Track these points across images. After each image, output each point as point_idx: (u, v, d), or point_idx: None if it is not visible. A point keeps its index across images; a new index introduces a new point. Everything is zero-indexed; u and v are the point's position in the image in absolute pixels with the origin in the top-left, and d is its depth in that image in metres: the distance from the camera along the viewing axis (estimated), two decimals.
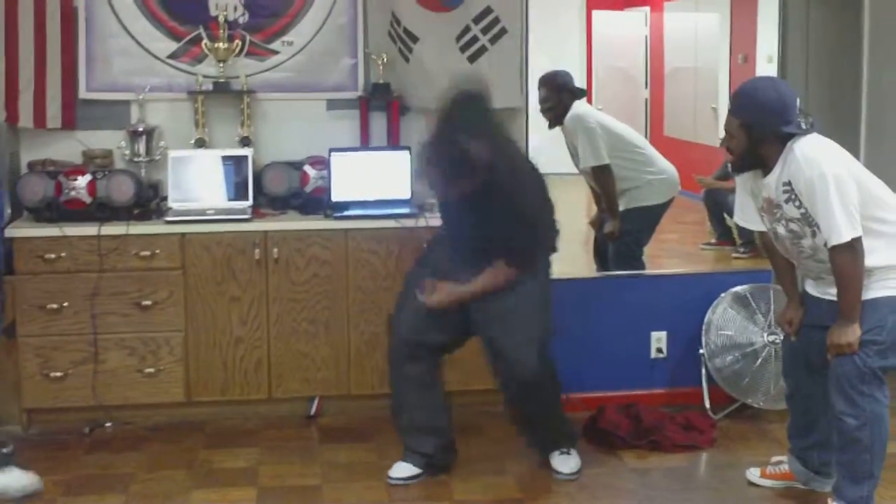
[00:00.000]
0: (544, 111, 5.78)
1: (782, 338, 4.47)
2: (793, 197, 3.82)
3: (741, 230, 6.26)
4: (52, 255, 4.90)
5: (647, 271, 5.81)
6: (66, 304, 4.95)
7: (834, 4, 5.44)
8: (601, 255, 6.01)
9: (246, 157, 5.25)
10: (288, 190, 5.28)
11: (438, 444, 4.54)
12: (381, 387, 5.17)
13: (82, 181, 4.99)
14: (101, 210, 5.00)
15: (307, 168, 5.27)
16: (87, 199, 4.99)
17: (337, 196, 5.21)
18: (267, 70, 5.46)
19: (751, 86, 4.10)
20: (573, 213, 5.00)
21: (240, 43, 5.39)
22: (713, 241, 6.66)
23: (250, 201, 5.19)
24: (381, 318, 5.13)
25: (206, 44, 5.35)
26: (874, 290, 3.84)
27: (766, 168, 3.91)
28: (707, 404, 5.18)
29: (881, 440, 3.89)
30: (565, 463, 4.53)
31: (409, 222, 5.08)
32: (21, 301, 4.88)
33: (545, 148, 5.78)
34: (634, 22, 7.55)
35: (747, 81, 4.15)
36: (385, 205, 5.21)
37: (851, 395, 3.85)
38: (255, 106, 5.43)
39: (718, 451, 4.84)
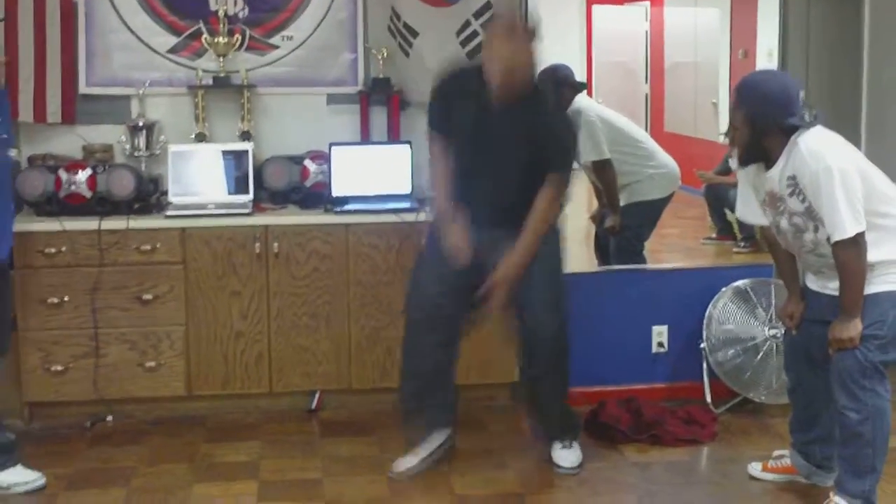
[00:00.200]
0: None
1: (783, 332, 4.47)
2: (797, 191, 3.82)
3: (742, 225, 6.29)
4: (53, 250, 4.90)
5: (649, 266, 5.81)
6: (66, 298, 4.95)
7: None
8: (602, 249, 6.02)
9: (246, 151, 5.24)
10: (288, 184, 5.28)
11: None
12: (381, 381, 5.18)
13: (82, 176, 4.99)
14: (102, 204, 5.00)
15: (307, 162, 5.27)
16: (88, 194, 4.99)
17: (337, 190, 5.21)
18: (267, 65, 5.46)
19: (755, 78, 4.09)
20: (574, 207, 5.00)
21: (240, 37, 5.39)
22: (714, 235, 6.67)
23: (251, 196, 5.19)
24: (381, 312, 5.13)
25: (206, 38, 5.34)
26: (875, 285, 3.83)
27: (770, 161, 3.90)
28: (708, 398, 5.19)
29: (883, 434, 3.89)
30: (566, 457, 4.52)
31: (410, 217, 5.07)
32: (22, 295, 4.87)
33: None
34: (634, 17, 7.55)
35: (752, 73, 4.15)
36: (385, 199, 5.21)
37: (853, 389, 3.85)
38: (255, 100, 5.43)
39: (719, 445, 4.84)
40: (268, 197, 5.29)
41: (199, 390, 5.12)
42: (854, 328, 3.81)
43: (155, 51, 5.39)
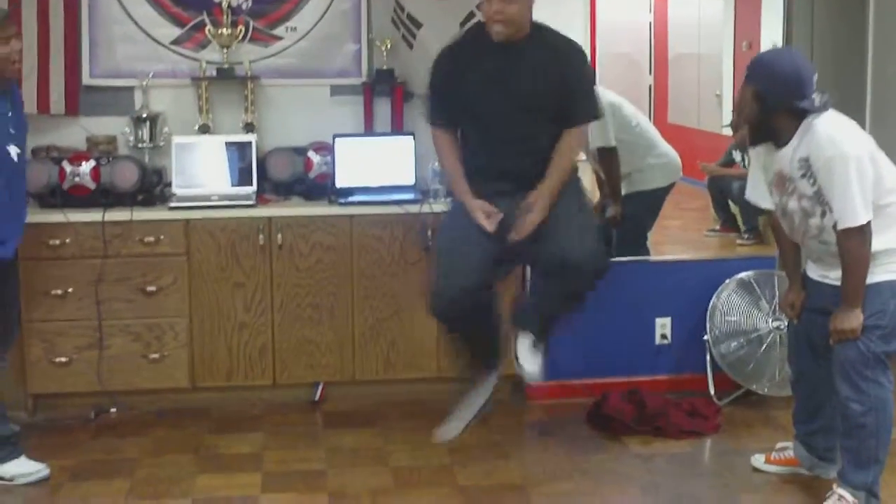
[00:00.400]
0: None
1: (787, 323, 4.46)
2: (808, 174, 3.79)
3: (745, 217, 6.28)
4: (57, 242, 4.90)
5: (652, 258, 5.80)
6: (70, 289, 4.96)
7: None
8: (605, 241, 6.00)
9: (250, 142, 5.25)
10: (292, 176, 5.28)
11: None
12: (385, 372, 5.19)
13: (86, 167, 4.99)
14: (105, 196, 5.00)
15: (311, 154, 5.27)
16: (92, 186, 4.99)
17: (341, 182, 5.21)
18: (271, 56, 5.46)
19: (769, 56, 4.07)
20: None
21: (243, 29, 5.38)
22: (717, 227, 6.66)
23: (254, 187, 5.19)
24: (385, 303, 5.14)
25: (209, 30, 5.34)
26: (877, 275, 3.82)
27: (780, 140, 3.88)
28: (711, 390, 5.18)
29: (886, 425, 3.89)
30: (531, 357, 4.32)
31: (414, 208, 5.07)
32: (26, 287, 4.87)
33: None
34: (638, 7, 7.54)
35: (766, 51, 4.11)
36: (389, 191, 5.22)
37: (856, 380, 3.85)
38: (258, 92, 5.43)
39: (723, 437, 4.84)
40: (271, 188, 5.29)
41: (202, 382, 5.12)
42: (855, 319, 3.81)
43: (158, 42, 5.39)
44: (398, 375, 5.22)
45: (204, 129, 5.34)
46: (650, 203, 5.87)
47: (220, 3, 5.32)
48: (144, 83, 5.33)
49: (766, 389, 5.13)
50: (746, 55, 6.72)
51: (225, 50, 5.34)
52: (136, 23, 5.36)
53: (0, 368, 4.43)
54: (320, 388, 5.23)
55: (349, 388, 5.24)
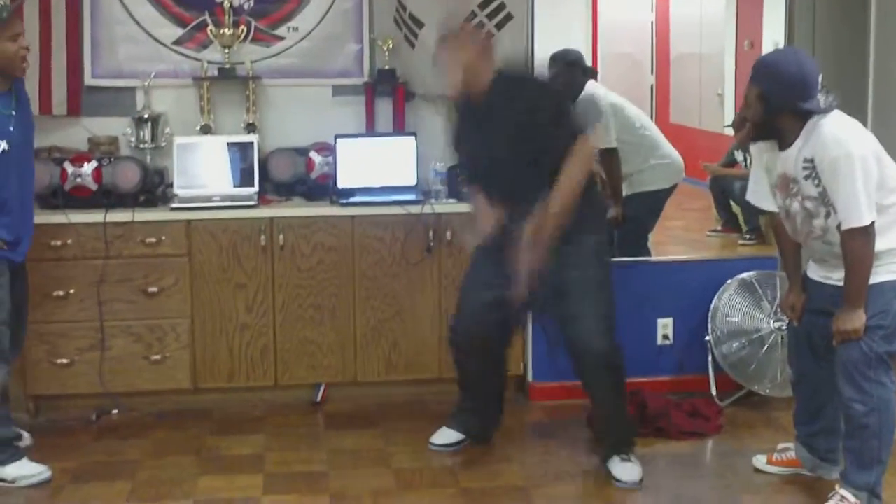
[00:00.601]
0: None
1: (787, 324, 4.45)
2: (813, 175, 3.79)
3: (747, 217, 6.27)
4: (59, 243, 4.90)
5: (653, 258, 5.79)
6: (72, 291, 4.95)
7: None
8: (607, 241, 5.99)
9: (251, 143, 5.24)
10: (293, 176, 5.28)
11: (485, 419, 4.70)
12: (386, 373, 5.19)
13: (88, 168, 4.99)
14: (107, 197, 5.00)
15: (313, 154, 5.27)
16: (93, 186, 4.99)
17: (342, 182, 5.21)
18: (272, 56, 5.46)
19: (774, 57, 4.07)
20: None
21: (245, 29, 5.38)
22: (719, 228, 6.65)
23: (256, 188, 5.19)
24: (387, 304, 5.14)
25: (211, 30, 5.34)
26: (879, 275, 3.81)
27: (784, 142, 3.87)
28: (713, 391, 5.18)
29: (889, 426, 3.88)
30: (626, 471, 4.35)
31: (416, 209, 5.07)
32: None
33: None
34: (640, 7, 7.52)
35: (772, 52, 4.10)
36: (391, 191, 5.21)
37: (859, 381, 3.85)
38: (260, 92, 5.43)
39: (724, 438, 4.83)
40: (273, 189, 5.29)
41: (204, 383, 5.12)
42: (858, 320, 3.80)
43: (160, 42, 5.39)
44: (400, 376, 5.22)
45: (206, 130, 5.34)
46: (652, 204, 5.86)
47: (221, 4, 5.32)
48: (146, 83, 5.32)
49: (767, 390, 5.12)
50: (748, 55, 6.71)
51: (227, 50, 5.34)
52: (137, 23, 5.35)
53: (9, 373, 4.43)
54: (322, 389, 5.23)
55: (351, 389, 5.24)
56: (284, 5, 5.44)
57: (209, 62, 5.37)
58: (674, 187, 5.89)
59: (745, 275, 5.24)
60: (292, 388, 5.21)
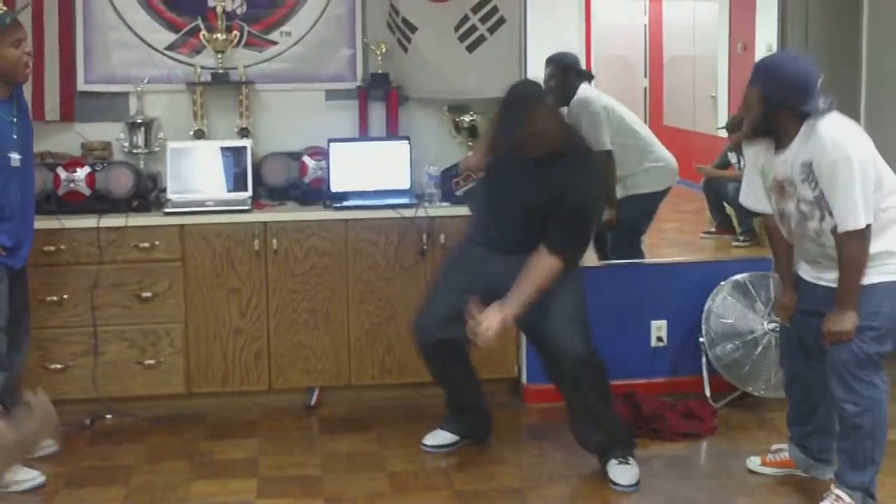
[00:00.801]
0: (548, 90, 5.67)
1: (790, 322, 4.42)
2: (810, 178, 3.78)
3: (741, 219, 6.27)
4: (52, 248, 4.90)
5: (647, 260, 5.79)
6: (65, 296, 4.95)
7: None
8: (600, 243, 5.99)
9: (245, 148, 5.24)
10: (287, 181, 5.28)
11: (474, 419, 4.72)
12: (381, 377, 5.19)
13: (81, 173, 4.99)
14: (100, 202, 5.00)
15: (306, 159, 5.27)
16: (87, 192, 4.99)
17: (336, 186, 5.21)
18: (265, 61, 5.46)
19: (775, 59, 4.07)
20: None
21: (238, 34, 5.38)
22: (713, 229, 6.64)
23: (249, 192, 5.19)
24: (380, 308, 5.14)
25: (204, 35, 5.34)
26: (871, 276, 3.82)
27: (780, 143, 3.86)
28: (707, 393, 5.18)
29: (881, 426, 3.88)
30: (623, 473, 4.36)
31: (409, 212, 5.07)
32: None
33: None
34: (633, 10, 7.53)
35: (772, 54, 4.10)
36: (384, 195, 5.21)
37: (850, 381, 3.85)
38: (253, 97, 5.43)
39: (719, 439, 4.84)
40: (266, 193, 5.30)
41: (198, 388, 5.12)
42: (849, 321, 3.80)
43: (153, 48, 5.39)
44: (394, 380, 5.22)
45: (199, 135, 5.34)
46: (646, 206, 5.86)
47: (214, 8, 5.33)
48: (139, 89, 5.32)
49: (761, 391, 5.12)
50: (741, 57, 6.71)
51: (220, 55, 5.34)
52: (130, 28, 5.36)
53: (7, 379, 4.42)
54: (316, 393, 5.23)
55: (345, 392, 5.24)
56: (277, 10, 5.45)
57: (202, 67, 5.37)
58: (667, 190, 5.89)
59: (738, 276, 5.24)
60: (286, 392, 5.21)
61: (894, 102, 5.39)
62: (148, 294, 5.00)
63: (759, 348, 5.11)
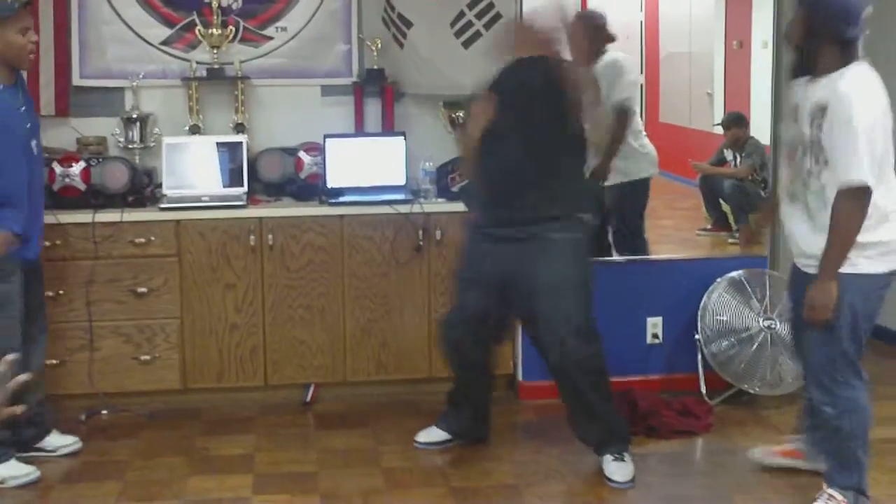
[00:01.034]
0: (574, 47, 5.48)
1: (790, 317, 4.35)
2: (820, 121, 3.67)
3: (737, 216, 6.27)
4: (47, 243, 4.86)
5: (643, 257, 5.79)
6: (61, 291, 4.95)
7: None
8: (598, 240, 5.96)
9: (240, 143, 5.23)
10: (283, 176, 5.28)
11: (473, 418, 4.69)
12: (376, 373, 5.19)
13: (76, 168, 4.98)
14: (96, 197, 5.00)
15: (302, 154, 5.26)
16: (82, 187, 4.98)
17: (332, 182, 5.20)
18: (261, 56, 5.45)
19: None
20: None
21: (233, 29, 5.37)
22: (709, 226, 6.64)
23: (245, 188, 5.18)
24: (376, 304, 5.14)
25: (199, 30, 5.33)
26: (846, 266, 3.69)
27: (818, 70, 3.74)
28: (703, 390, 5.18)
29: (862, 425, 3.84)
30: (619, 470, 4.34)
31: (405, 208, 5.07)
32: None
33: None
34: (629, 7, 7.52)
35: None
36: (380, 191, 5.21)
37: (826, 383, 3.82)
38: (249, 92, 5.42)
39: (715, 436, 4.84)
40: (262, 189, 5.29)
41: (193, 383, 5.12)
42: (827, 294, 3.68)
43: (148, 43, 5.38)
44: (390, 376, 5.22)
45: (194, 130, 5.33)
46: (642, 190, 5.81)
47: (210, 4, 5.31)
48: (134, 84, 5.31)
49: (757, 388, 5.12)
50: (737, 54, 6.71)
51: (215, 50, 5.33)
52: (125, 23, 5.34)
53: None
54: (312, 389, 5.22)
55: (341, 388, 5.24)
56: (273, 5, 5.44)
57: (198, 62, 5.36)
58: (650, 178, 5.86)
59: (734, 273, 5.25)
60: (282, 388, 5.21)
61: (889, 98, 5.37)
62: (143, 289, 4.99)
63: (755, 345, 5.11)
